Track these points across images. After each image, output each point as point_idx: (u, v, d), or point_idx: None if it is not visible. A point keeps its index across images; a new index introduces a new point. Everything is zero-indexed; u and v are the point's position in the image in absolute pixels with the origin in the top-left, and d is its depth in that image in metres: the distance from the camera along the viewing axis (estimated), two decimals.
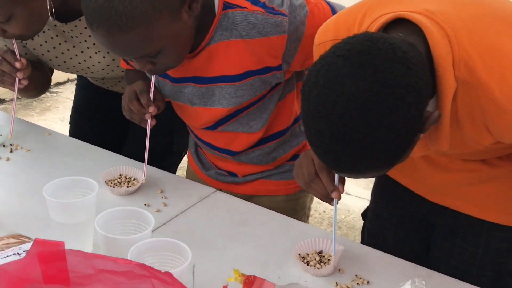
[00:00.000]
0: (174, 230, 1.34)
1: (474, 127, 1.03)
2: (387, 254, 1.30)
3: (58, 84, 4.50)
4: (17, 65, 1.55)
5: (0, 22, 1.44)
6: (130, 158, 1.64)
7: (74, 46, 1.66)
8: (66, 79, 4.48)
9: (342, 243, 1.28)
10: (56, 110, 4.16)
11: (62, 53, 1.68)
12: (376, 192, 1.52)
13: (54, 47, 1.67)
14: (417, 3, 1.03)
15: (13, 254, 1.13)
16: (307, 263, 1.23)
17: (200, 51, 1.37)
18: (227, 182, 1.63)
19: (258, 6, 1.31)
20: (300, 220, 1.65)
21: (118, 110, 1.53)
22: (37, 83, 1.76)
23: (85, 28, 1.58)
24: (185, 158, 1.90)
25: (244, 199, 1.52)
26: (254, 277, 1.06)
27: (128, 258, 1.01)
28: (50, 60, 1.72)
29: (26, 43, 1.68)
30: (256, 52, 1.34)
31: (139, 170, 1.51)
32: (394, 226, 1.46)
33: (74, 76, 1.97)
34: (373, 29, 1.04)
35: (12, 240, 1.22)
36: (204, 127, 1.53)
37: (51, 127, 2.24)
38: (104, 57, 1.67)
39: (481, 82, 0.96)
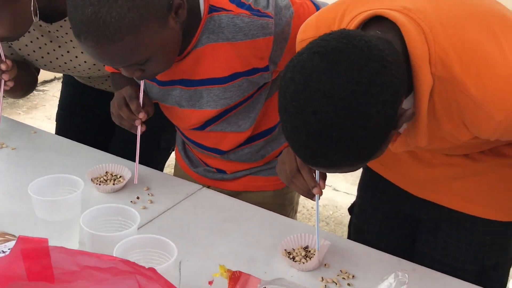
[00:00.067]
0: (161, 227, 1.35)
1: (451, 123, 1.04)
2: (372, 249, 1.32)
3: (45, 82, 4.48)
4: (2, 66, 1.54)
5: None
6: (117, 155, 1.64)
7: (60, 46, 1.66)
8: (53, 77, 4.46)
9: (328, 238, 1.29)
10: (43, 109, 4.14)
11: (48, 53, 1.68)
12: (361, 187, 1.54)
13: (40, 47, 1.66)
14: (395, 1, 1.04)
15: None
16: (293, 258, 1.24)
17: (187, 54, 1.37)
18: (215, 179, 1.64)
19: (244, 8, 1.31)
20: (288, 214, 1.66)
21: (104, 108, 1.53)
22: (23, 84, 1.76)
23: (71, 28, 1.57)
24: (173, 155, 1.90)
25: (232, 195, 1.53)
26: (240, 272, 1.07)
27: (114, 255, 1.01)
28: (36, 60, 1.71)
29: (11, 44, 1.67)
30: (243, 54, 1.34)
31: (125, 168, 1.51)
32: (379, 220, 1.47)
33: (61, 74, 1.96)
34: (352, 26, 1.05)
35: None
36: (192, 128, 1.53)
37: (38, 125, 2.23)
38: None
39: (456, 78, 0.98)
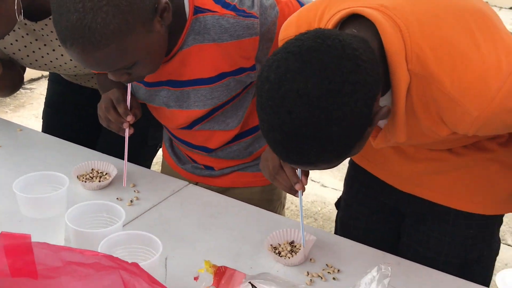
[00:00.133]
0: (147, 224, 1.35)
1: (430, 119, 1.05)
2: (357, 243, 1.33)
3: (32, 80, 4.46)
4: None
5: None
6: (104, 152, 1.64)
7: (45, 45, 1.65)
8: (40, 75, 4.44)
9: (313, 232, 1.30)
10: (31, 107, 4.12)
11: (33, 51, 1.67)
12: (347, 182, 1.55)
13: (25, 46, 1.66)
14: None
15: None
16: (279, 253, 1.25)
17: (173, 55, 1.37)
18: (203, 175, 1.64)
19: (229, 9, 1.31)
20: (276, 210, 1.67)
21: (91, 105, 1.53)
22: (9, 82, 1.75)
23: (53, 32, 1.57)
24: (160, 152, 1.90)
25: (220, 191, 1.54)
26: (225, 267, 1.07)
27: (99, 252, 1.02)
28: (22, 58, 1.70)
29: None
30: (229, 54, 1.34)
31: (111, 165, 1.51)
32: (365, 215, 1.48)
33: (48, 72, 1.95)
34: (330, 25, 1.06)
35: None
36: (180, 128, 1.54)
37: (25, 123, 2.22)
38: None
39: (433, 75, 0.99)
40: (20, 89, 4.14)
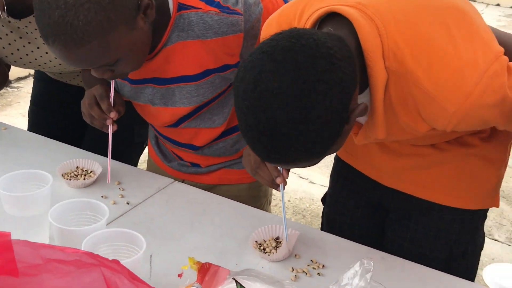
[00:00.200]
0: (132, 221, 1.35)
1: (408, 115, 1.06)
2: (342, 239, 1.33)
3: (19, 79, 4.43)
4: None
5: None
6: (90, 150, 1.64)
7: (29, 42, 1.64)
8: (27, 74, 4.41)
9: (298, 228, 1.31)
10: (18, 106, 4.09)
11: (18, 49, 1.66)
12: (333, 178, 1.55)
13: (9, 44, 1.65)
14: None
15: None
16: (264, 249, 1.25)
17: (157, 52, 1.36)
18: (190, 172, 1.64)
19: (213, 6, 1.31)
20: (263, 206, 1.67)
21: (76, 103, 1.52)
22: None
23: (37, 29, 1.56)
24: (147, 150, 1.89)
25: (207, 189, 1.54)
26: (209, 264, 1.07)
27: (82, 249, 1.01)
28: (6, 56, 1.69)
29: None
30: (213, 51, 1.34)
31: (96, 163, 1.50)
32: (350, 210, 1.49)
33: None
34: (309, 23, 1.07)
35: None
36: (166, 126, 1.53)
37: (12, 122, 2.21)
38: None
39: (409, 71, 0.99)
40: (7, 88, 4.11)
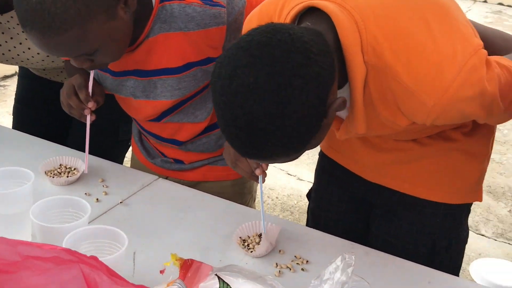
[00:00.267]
0: (115, 219, 1.34)
1: (388, 110, 1.06)
2: (326, 234, 1.33)
3: (6, 77, 4.40)
4: None
5: None
6: (74, 147, 1.62)
7: (12, 38, 1.63)
8: (13, 72, 4.38)
9: (282, 223, 1.31)
10: (4, 104, 4.06)
11: (0, 45, 1.65)
12: (317, 173, 1.55)
13: None
14: None
15: None
16: (248, 245, 1.25)
17: (139, 44, 1.36)
18: (173, 169, 1.63)
19: None
20: (247, 203, 1.67)
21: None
22: None
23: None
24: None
25: (191, 185, 1.53)
26: (192, 260, 1.07)
27: (64, 247, 1.01)
28: None
29: None
30: (196, 44, 1.34)
31: (80, 160, 1.49)
32: (335, 206, 1.49)
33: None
34: (288, 18, 1.06)
35: None
36: (148, 120, 1.53)
37: None
38: None
39: (388, 66, 1.00)
40: None
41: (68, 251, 0.79)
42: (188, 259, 1.07)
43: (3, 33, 1.61)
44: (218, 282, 1.00)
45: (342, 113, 1.14)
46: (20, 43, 1.63)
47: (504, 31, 1.27)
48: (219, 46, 1.35)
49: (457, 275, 1.38)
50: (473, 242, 2.77)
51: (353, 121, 1.09)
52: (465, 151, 1.27)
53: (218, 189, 1.58)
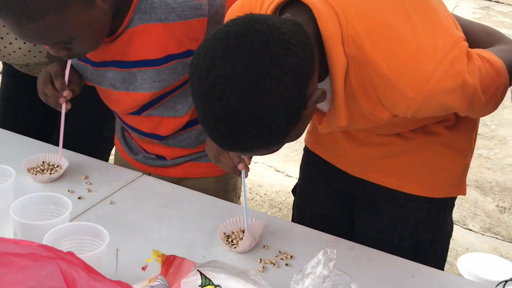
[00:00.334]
0: (98, 216, 1.33)
1: (369, 102, 1.06)
2: (311, 229, 1.33)
3: None
4: None
5: None
6: (58, 144, 1.61)
7: None
8: None
9: (267, 219, 1.30)
10: None
11: None
12: (302, 168, 1.55)
13: None
14: None
15: None
16: (232, 241, 1.24)
17: (119, 34, 1.35)
18: (156, 165, 1.62)
19: None
20: (232, 200, 1.66)
21: None
22: None
23: None
24: None
25: (174, 182, 1.52)
26: (174, 256, 1.06)
27: (44, 244, 1.00)
28: None
29: None
30: (176, 35, 1.33)
31: (63, 157, 1.48)
32: (319, 201, 1.49)
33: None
34: (269, 10, 1.06)
35: None
36: (129, 112, 1.51)
37: None
38: (24, 42, 1.62)
39: (369, 58, 0.99)
40: None
41: (45, 247, 0.78)
42: (170, 255, 1.07)
43: None
44: (200, 278, 1.00)
45: (324, 107, 1.13)
46: (1, 38, 1.62)
47: (492, 27, 1.27)
48: (200, 39, 1.34)
49: (442, 269, 1.38)
50: (461, 237, 2.78)
51: (334, 113, 1.09)
52: (448, 145, 1.27)
53: (201, 185, 1.57)
